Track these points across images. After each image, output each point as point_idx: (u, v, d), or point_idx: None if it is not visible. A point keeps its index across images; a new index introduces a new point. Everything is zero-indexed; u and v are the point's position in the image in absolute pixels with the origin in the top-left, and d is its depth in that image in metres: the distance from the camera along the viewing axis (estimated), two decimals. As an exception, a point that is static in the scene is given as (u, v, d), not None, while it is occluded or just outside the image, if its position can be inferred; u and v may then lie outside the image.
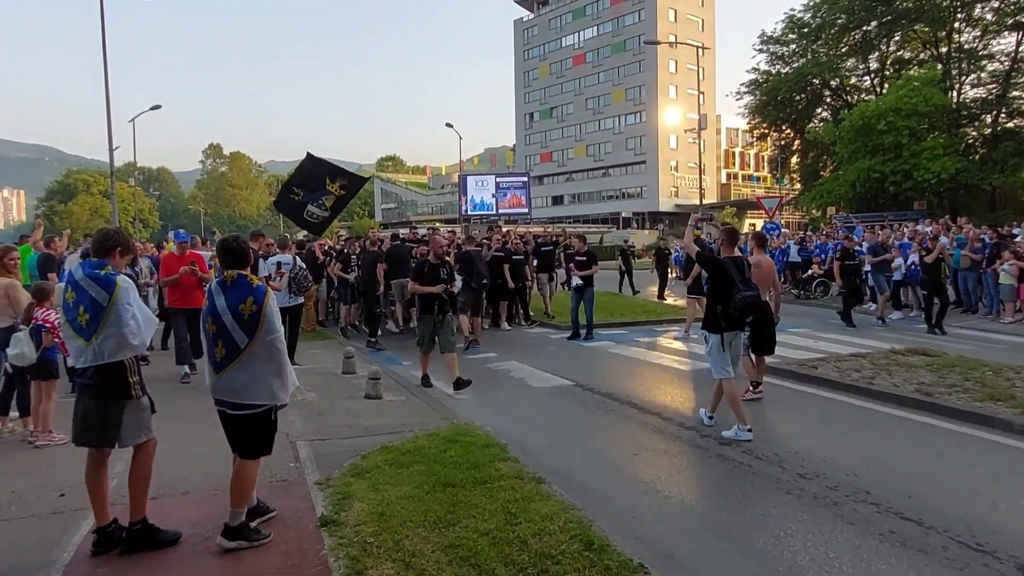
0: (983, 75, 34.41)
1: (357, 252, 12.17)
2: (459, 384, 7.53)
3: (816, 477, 4.86)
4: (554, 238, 16.71)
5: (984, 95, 34.80)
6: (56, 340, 5.35)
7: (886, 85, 37.09)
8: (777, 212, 22.19)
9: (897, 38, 38.12)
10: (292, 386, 3.80)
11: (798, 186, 46.29)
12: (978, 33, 34.56)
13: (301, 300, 9.24)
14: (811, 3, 38.84)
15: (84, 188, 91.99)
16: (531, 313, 13.56)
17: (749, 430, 5.72)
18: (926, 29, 35.73)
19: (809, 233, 24.02)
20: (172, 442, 4.99)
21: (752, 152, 77.25)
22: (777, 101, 40.52)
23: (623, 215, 68.30)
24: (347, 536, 3.72)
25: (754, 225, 51.68)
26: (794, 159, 47.23)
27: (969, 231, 14.93)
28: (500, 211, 50.62)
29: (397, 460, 4.95)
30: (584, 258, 11.43)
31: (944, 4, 33.80)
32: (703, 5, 72.75)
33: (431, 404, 6.97)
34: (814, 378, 7.89)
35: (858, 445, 5.64)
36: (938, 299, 11.73)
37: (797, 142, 44.15)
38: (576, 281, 11.32)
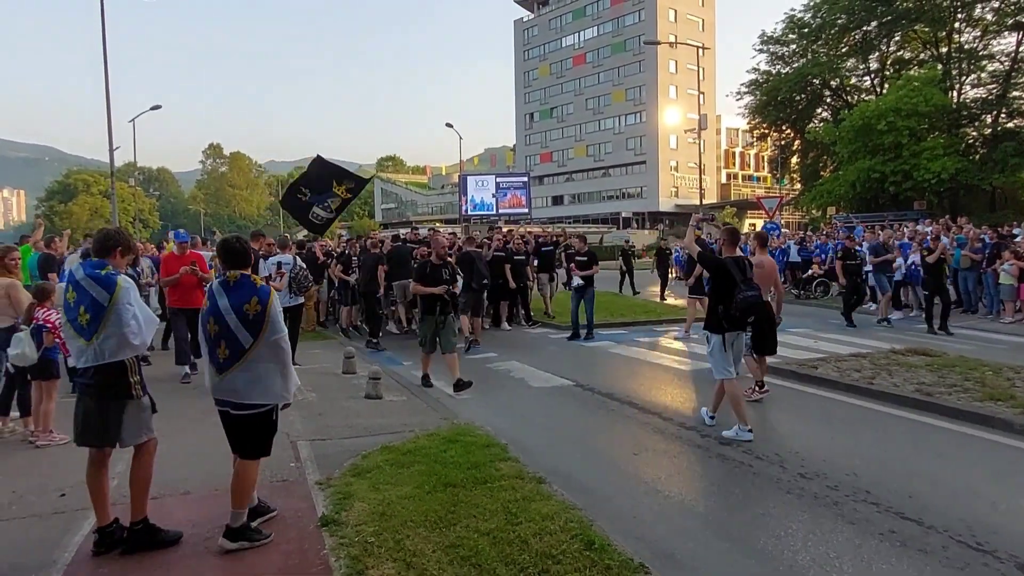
0: (983, 75, 34.43)
1: (358, 253, 12.17)
2: (459, 385, 7.54)
3: (816, 477, 4.86)
4: (554, 238, 16.71)
5: (984, 95, 34.82)
6: (57, 340, 5.35)
7: (886, 85, 37.11)
8: (777, 212, 22.20)
9: (897, 38, 38.14)
10: (295, 386, 3.81)
11: (798, 186, 46.30)
12: (978, 33, 34.58)
13: (301, 300, 9.25)
14: (811, 3, 38.85)
15: (84, 188, 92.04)
16: (531, 313, 13.56)
17: (750, 430, 5.73)
18: (926, 29, 35.75)
19: (809, 233, 24.03)
20: (173, 442, 5.00)
21: (752, 152, 77.27)
22: (777, 101, 40.53)
23: (623, 215, 68.31)
24: (348, 536, 3.72)
25: (754, 225, 51.74)
26: (794, 159, 47.25)
27: (969, 231, 14.93)
28: (500, 211, 50.65)
29: (398, 460, 4.96)
30: (585, 258, 11.43)
31: (944, 4, 33.80)
32: (703, 5, 72.76)
33: (431, 404, 6.97)
34: (814, 378, 7.89)
35: (858, 445, 5.64)
36: (940, 299, 11.71)
37: (797, 142, 44.16)
38: (577, 281, 11.32)
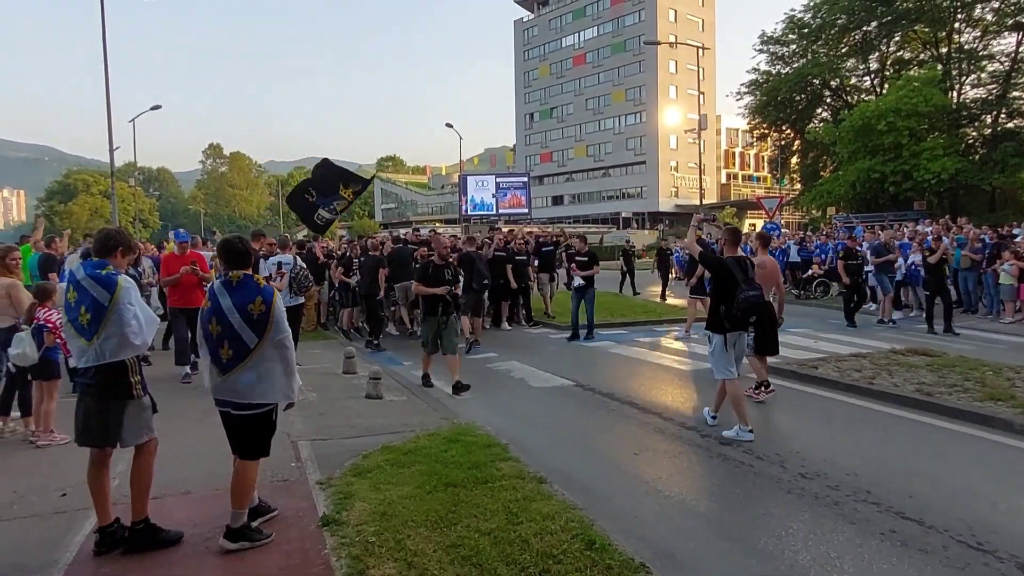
0: (983, 75, 34.45)
1: (359, 255, 12.13)
2: (458, 388, 7.53)
3: (817, 477, 4.86)
4: (554, 238, 16.72)
5: (984, 95, 34.83)
6: (58, 340, 5.35)
7: (886, 85, 37.11)
8: (777, 212, 22.18)
9: (897, 38, 38.15)
10: (298, 385, 3.82)
11: (798, 186, 46.29)
12: (978, 33, 34.59)
13: (302, 300, 9.25)
14: (811, 3, 38.86)
15: (84, 188, 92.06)
16: (532, 313, 13.56)
17: (750, 431, 5.73)
18: (926, 29, 35.76)
19: (809, 233, 24.04)
20: (173, 442, 5.00)
21: (752, 152, 77.27)
22: (777, 101, 40.54)
23: (623, 215, 68.27)
24: (349, 536, 3.72)
25: (754, 225, 51.71)
26: (794, 159, 47.26)
27: (969, 231, 14.93)
28: (500, 211, 50.67)
29: (398, 460, 4.96)
30: (585, 258, 11.43)
31: (944, 4, 33.81)
32: (703, 5, 72.75)
33: (432, 404, 6.97)
34: (815, 378, 7.90)
35: (859, 445, 5.64)
36: (941, 300, 11.70)
37: (797, 142, 44.16)
38: (578, 281, 11.32)
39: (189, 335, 7.98)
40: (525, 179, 55.02)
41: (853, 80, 41.24)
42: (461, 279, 9.75)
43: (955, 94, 34.75)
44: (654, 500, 4.57)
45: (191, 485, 4.55)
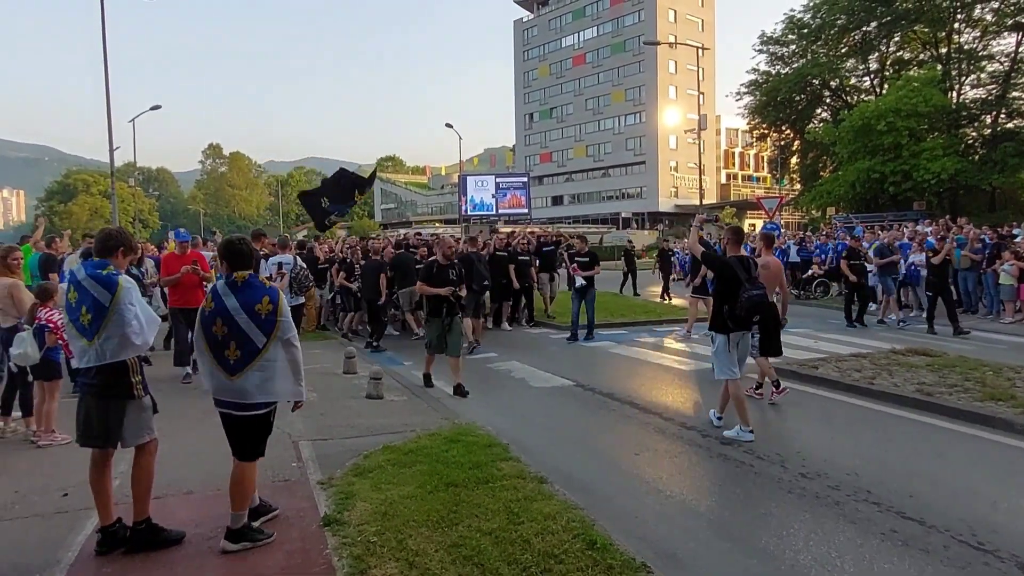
0: (983, 76, 34.50)
1: (359, 261, 12.08)
2: (458, 390, 7.51)
3: (818, 477, 4.87)
4: (555, 238, 16.72)
5: (984, 96, 34.88)
6: (60, 341, 5.35)
7: (886, 86, 37.14)
8: (777, 212, 22.19)
9: (897, 39, 38.19)
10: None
11: (798, 186, 46.33)
12: (978, 34, 34.63)
13: (302, 300, 9.26)
14: (811, 4, 38.90)
15: (84, 188, 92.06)
16: (534, 314, 13.56)
17: (751, 431, 5.73)
18: (926, 30, 35.80)
19: (808, 233, 24.04)
20: (174, 442, 5.01)
21: (752, 152, 77.30)
22: (777, 102, 40.57)
23: (623, 215, 68.26)
24: (350, 535, 3.72)
25: (753, 226, 51.71)
26: (794, 159, 47.29)
27: (969, 231, 14.93)
28: (500, 211, 50.60)
29: (399, 460, 4.96)
30: (586, 259, 11.43)
31: (944, 4, 33.85)
32: (703, 5, 72.76)
33: (432, 404, 6.97)
34: (815, 378, 7.91)
35: (859, 445, 5.65)
36: (943, 300, 11.67)
37: (797, 142, 44.19)
38: (579, 282, 11.32)
39: (190, 336, 7.97)
40: (525, 179, 54.89)
41: (853, 80, 41.29)
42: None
43: (955, 94, 34.78)
44: (655, 500, 4.57)
45: (192, 485, 4.55)
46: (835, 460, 5.21)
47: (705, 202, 49.70)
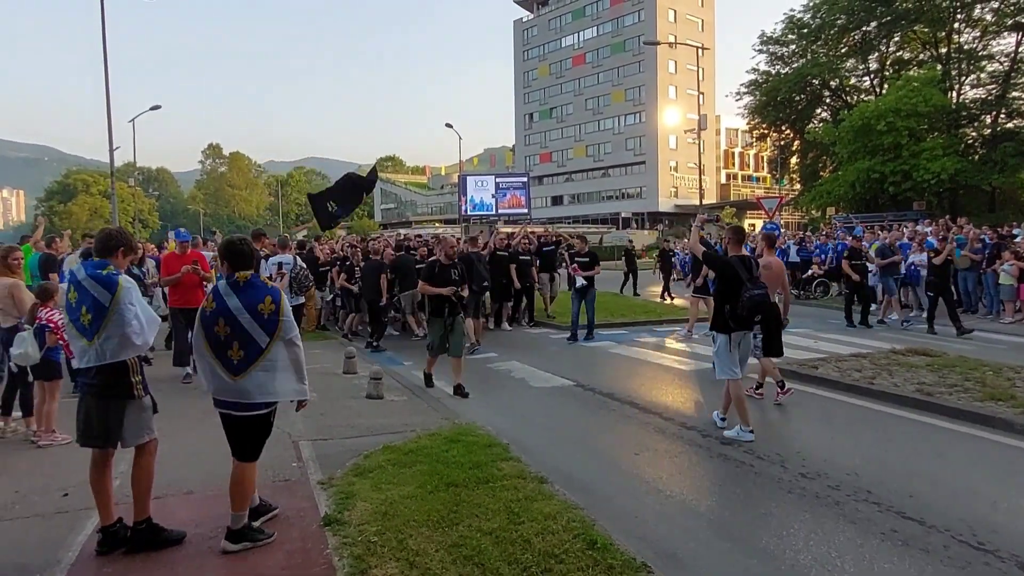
0: (983, 75, 34.49)
1: (359, 263, 12.07)
2: (458, 391, 7.50)
3: (818, 477, 4.87)
4: (555, 238, 16.72)
5: (984, 95, 34.87)
6: (60, 341, 5.36)
7: (886, 85, 37.15)
8: (777, 212, 22.19)
9: (897, 39, 38.18)
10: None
11: (798, 186, 46.33)
12: (978, 34, 34.63)
13: (302, 300, 9.26)
14: (811, 3, 38.89)
15: (84, 188, 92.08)
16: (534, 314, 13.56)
17: (751, 431, 5.74)
18: (926, 30, 35.79)
19: (808, 233, 24.03)
20: (174, 442, 5.01)
21: (752, 152, 77.29)
22: (777, 102, 40.57)
23: (623, 215, 68.24)
24: (351, 535, 3.73)
25: (753, 226, 51.72)
26: (794, 159, 47.30)
27: (969, 231, 14.93)
28: (500, 211, 50.56)
29: (400, 460, 4.96)
30: (587, 259, 11.43)
31: (944, 4, 33.85)
32: (703, 5, 72.77)
33: (433, 404, 6.98)
34: (815, 378, 7.91)
35: (859, 445, 5.65)
36: (944, 300, 11.66)
37: (797, 142, 44.19)
38: (580, 282, 11.32)
39: (190, 335, 7.96)
40: (525, 179, 54.83)
41: (853, 80, 41.29)
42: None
43: (955, 94, 34.78)
44: (655, 500, 4.57)
45: (193, 485, 4.55)
46: (835, 460, 5.22)
47: (705, 202, 49.64)
